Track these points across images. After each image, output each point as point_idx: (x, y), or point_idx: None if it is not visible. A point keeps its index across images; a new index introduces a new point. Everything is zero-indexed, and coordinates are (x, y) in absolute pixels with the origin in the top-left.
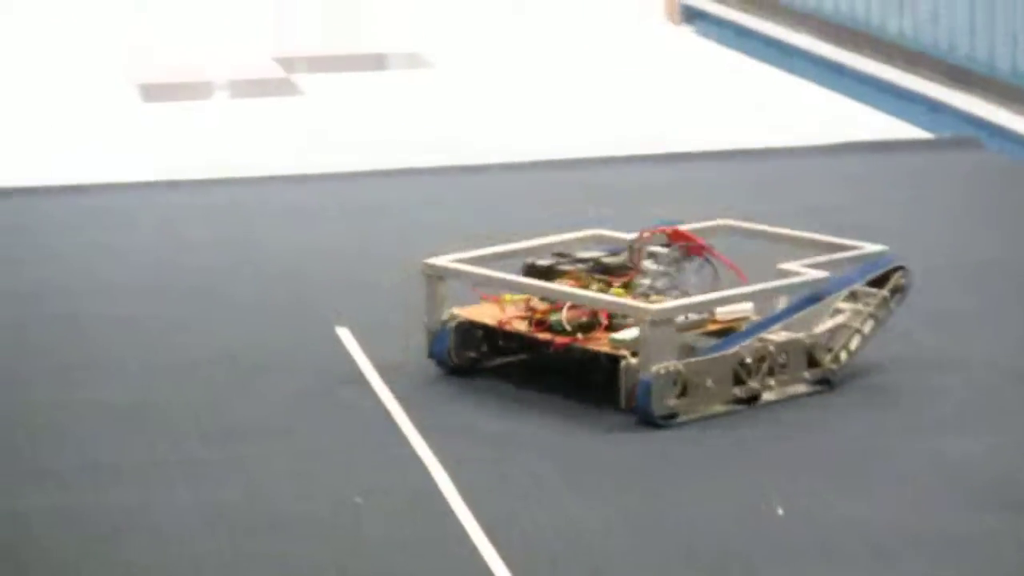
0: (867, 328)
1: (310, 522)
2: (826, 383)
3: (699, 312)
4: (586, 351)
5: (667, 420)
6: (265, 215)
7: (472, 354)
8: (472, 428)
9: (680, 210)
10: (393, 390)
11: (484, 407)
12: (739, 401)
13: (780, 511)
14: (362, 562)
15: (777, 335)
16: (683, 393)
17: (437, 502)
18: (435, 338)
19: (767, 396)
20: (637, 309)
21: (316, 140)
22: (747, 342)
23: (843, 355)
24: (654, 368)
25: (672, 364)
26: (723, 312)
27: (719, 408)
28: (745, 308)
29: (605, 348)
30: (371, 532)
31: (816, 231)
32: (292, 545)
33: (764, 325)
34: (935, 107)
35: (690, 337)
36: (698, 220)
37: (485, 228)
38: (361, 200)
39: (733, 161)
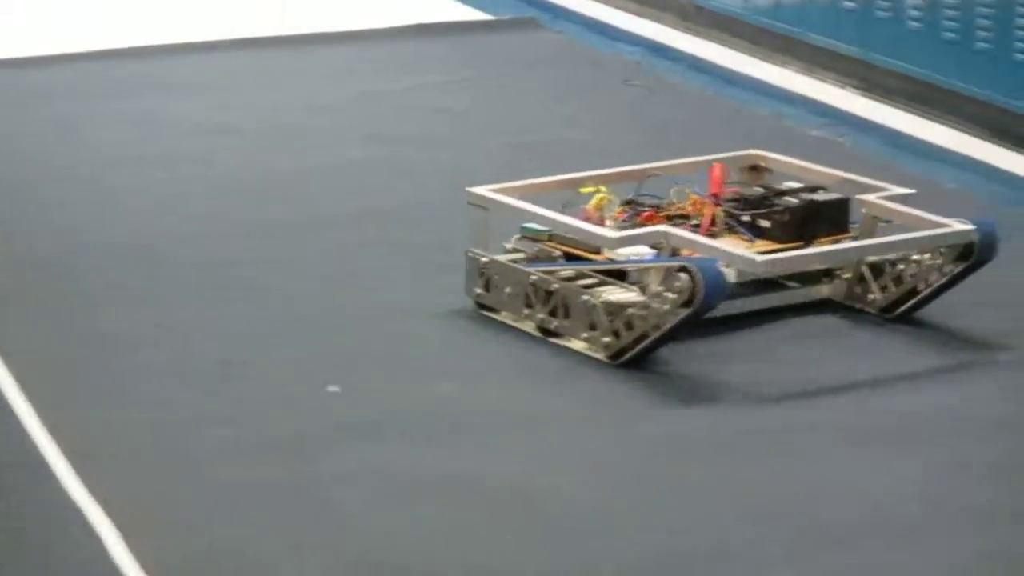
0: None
1: None
2: (615, 356)
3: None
4: None
5: (481, 309)
6: None
7: None
8: None
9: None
10: None
11: None
12: (540, 329)
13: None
14: None
15: (600, 290)
16: (487, 288)
17: None
18: None
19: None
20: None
21: None
22: (544, 271)
23: (619, 333)
24: (470, 253)
25: (486, 256)
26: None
27: (527, 325)
28: (640, 250)
29: None
30: None
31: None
32: None
33: (574, 264)
34: None
35: None
36: None
37: None
38: None
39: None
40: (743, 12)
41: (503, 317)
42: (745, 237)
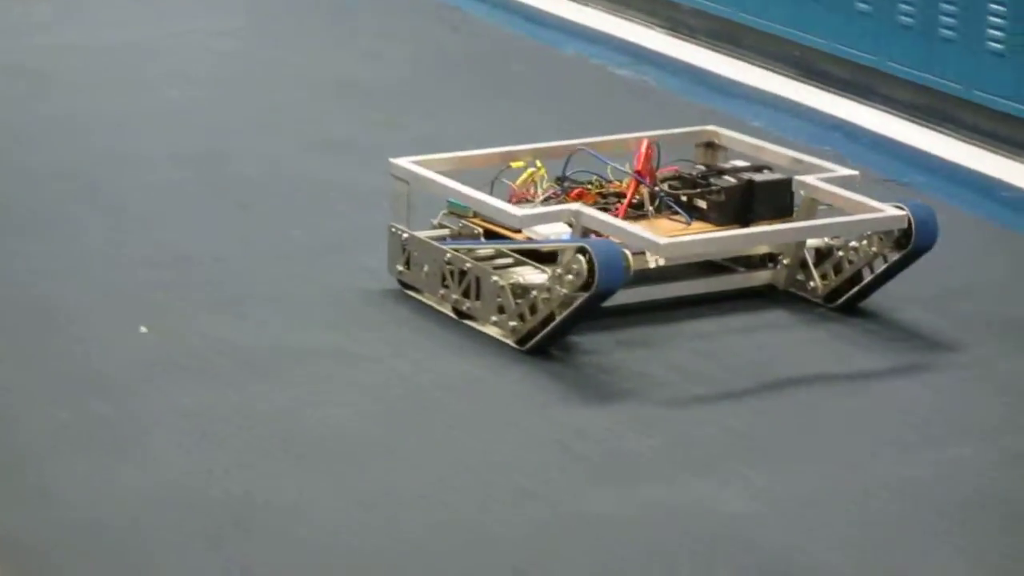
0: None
1: None
2: (522, 341)
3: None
4: None
5: (404, 288)
6: None
7: None
8: None
9: None
10: None
11: None
12: (455, 311)
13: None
14: None
15: (513, 271)
16: (407, 264)
17: None
18: None
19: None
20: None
21: None
22: (458, 249)
23: (516, 321)
24: (392, 228)
25: (408, 232)
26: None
27: (445, 307)
28: (557, 230)
29: None
30: None
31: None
32: None
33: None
34: None
35: None
36: None
37: None
38: None
39: None
40: None
41: (425, 298)
42: (682, 218)
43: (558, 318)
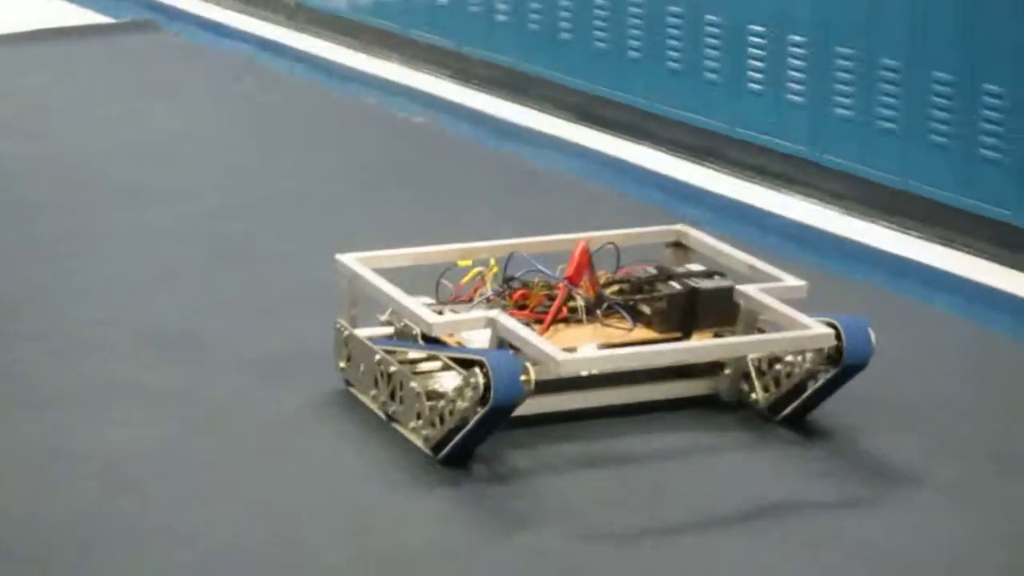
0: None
1: None
2: (435, 450)
3: None
4: None
5: (348, 386)
6: None
7: None
8: None
9: None
10: None
11: None
12: (384, 413)
13: None
14: None
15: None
16: (348, 359)
17: None
18: None
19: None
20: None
21: None
22: (387, 350)
23: (429, 429)
24: (337, 324)
25: (348, 330)
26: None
27: (375, 408)
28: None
29: None
30: None
31: None
32: None
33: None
34: None
35: None
36: None
37: None
38: None
39: None
40: (348, 12)
41: (363, 398)
42: (625, 323)
43: (463, 429)
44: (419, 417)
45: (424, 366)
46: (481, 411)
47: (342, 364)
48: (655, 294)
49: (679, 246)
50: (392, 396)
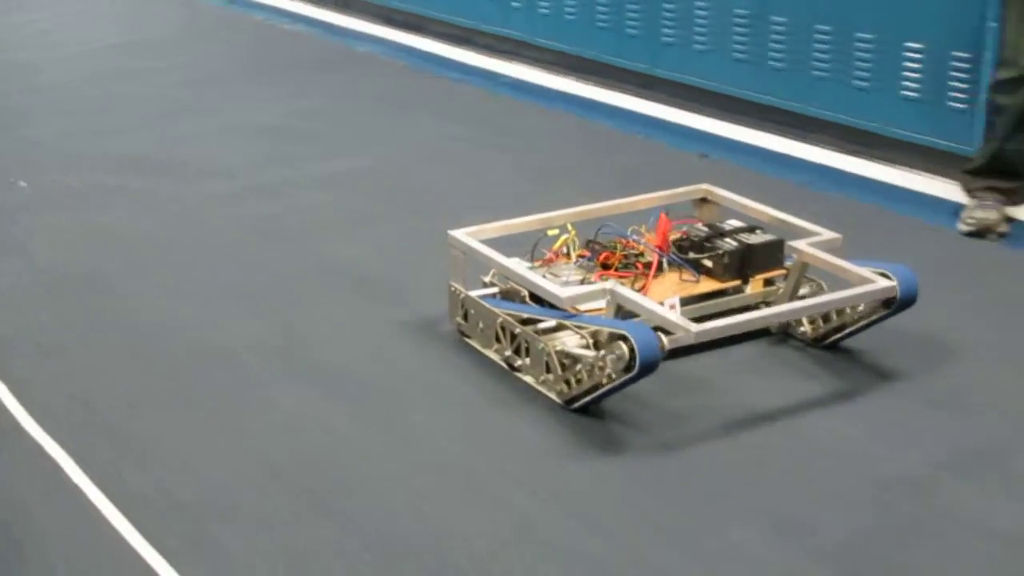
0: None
1: None
2: (569, 403)
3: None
4: None
5: (463, 337)
6: None
7: None
8: None
9: None
10: None
11: None
12: (506, 363)
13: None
14: None
15: (556, 337)
16: (465, 317)
17: None
18: None
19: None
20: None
21: None
22: (509, 313)
23: (571, 383)
24: (452, 287)
25: (464, 292)
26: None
27: (491, 354)
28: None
29: None
30: None
31: None
32: None
33: (540, 312)
34: None
35: None
36: None
37: None
38: None
39: None
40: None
41: (480, 347)
42: (691, 275)
43: (601, 389)
44: (548, 370)
45: (542, 325)
46: (624, 377)
47: (459, 320)
48: (716, 251)
49: (704, 201)
50: (517, 351)
